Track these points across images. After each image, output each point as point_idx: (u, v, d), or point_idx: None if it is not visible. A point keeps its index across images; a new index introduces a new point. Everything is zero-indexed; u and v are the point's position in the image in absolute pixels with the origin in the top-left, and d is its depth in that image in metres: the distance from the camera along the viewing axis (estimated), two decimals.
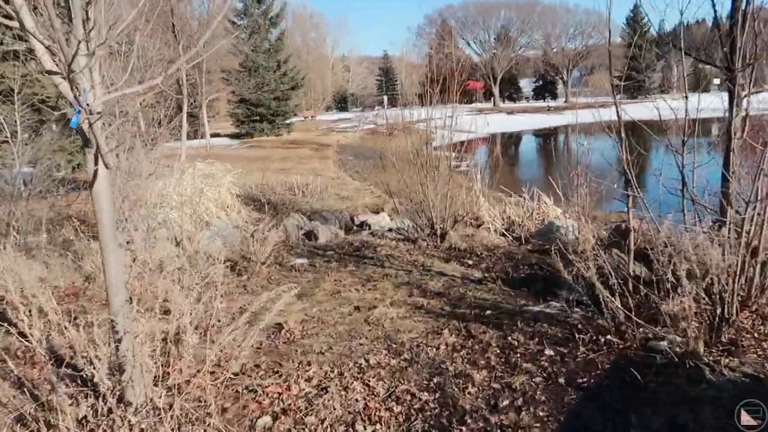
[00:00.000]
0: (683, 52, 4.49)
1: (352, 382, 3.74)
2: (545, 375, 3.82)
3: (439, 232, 8.59)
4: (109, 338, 3.23)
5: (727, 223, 4.18)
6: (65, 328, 3.11)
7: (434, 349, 4.31)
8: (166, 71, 3.06)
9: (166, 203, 9.55)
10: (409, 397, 3.56)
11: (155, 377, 3.28)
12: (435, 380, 3.78)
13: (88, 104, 2.77)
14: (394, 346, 4.41)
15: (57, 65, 2.76)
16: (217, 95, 36.48)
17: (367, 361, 4.12)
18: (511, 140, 43.03)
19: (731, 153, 4.65)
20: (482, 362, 4.06)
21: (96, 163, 2.96)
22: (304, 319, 5.12)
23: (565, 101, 67.60)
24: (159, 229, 8.95)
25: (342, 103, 75.21)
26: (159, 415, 3.03)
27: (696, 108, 4.87)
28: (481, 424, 3.24)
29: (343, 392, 3.61)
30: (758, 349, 3.89)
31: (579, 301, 4.98)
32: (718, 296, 3.87)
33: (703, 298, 4.06)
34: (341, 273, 6.83)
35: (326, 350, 4.36)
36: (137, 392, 3.16)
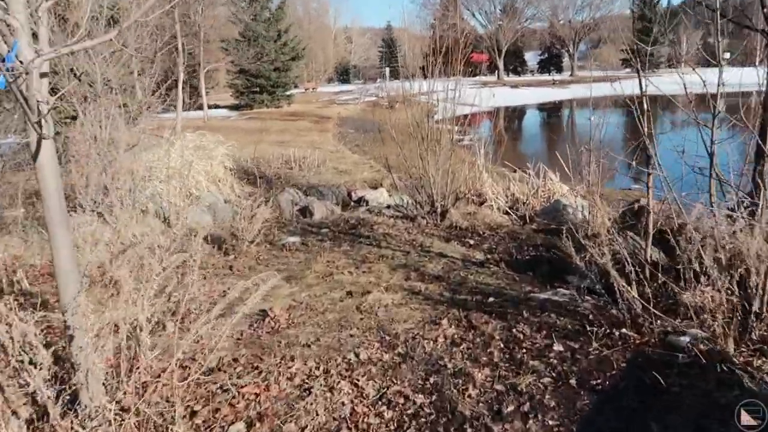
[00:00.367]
0: (718, 14, 3.98)
1: (339, 382, 3.34)
2: (554, 375, 3.42)
3: (439, 209, 8.16)
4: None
5: (761, 206, 3.73)
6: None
7: (432, 342, 3.91)
8: (122, 25, 2.60)
9: (154, 176, 9.12)
10: (402, 400, 3.16)
11: (117, 376, 2.90)
12: (432, 380, 3.39)
13: (21, 61, 2.33)
14: (387, 338, 4.02)
15: None
16: (216, 65, 35.69)
17: (357, 355, 3.72)
18: (515, 114, 42.25)
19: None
20: (484, 358, 3.66)
21: (39, 132, 2.53)
22: (291, 305, 4.72)
23: (571, 75, 66.43)
24: (147, 203, 8.55)
25: (344, 74, 74.02)
26: (115, 421, 2.64)
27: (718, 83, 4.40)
28: None
29: (328, 394, 3.22)
30: None
31: (589, 289, 4.58)
32: (754, 289, 3.44)
33: (731, 290, 3.65)
34: (335, 253, 6.42)
35: (313, 342, 3.97)
36: (93, 394, 2.76)
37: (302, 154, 15.07)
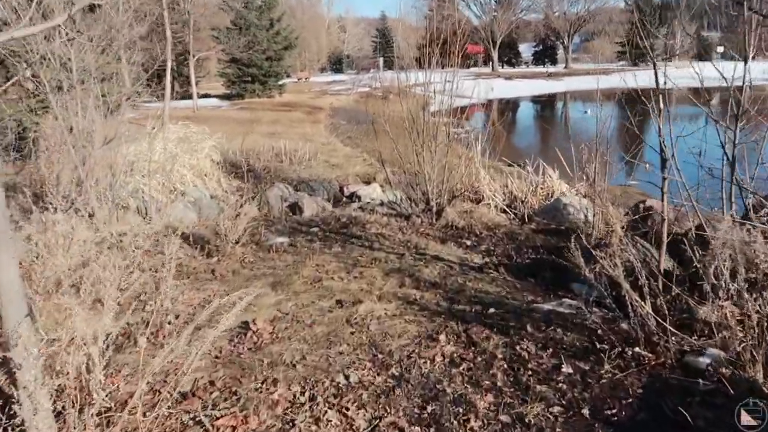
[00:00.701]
0: (745, 6, 3.63)
1: (326, 411, 2.99)
2: (564, 403, 3.09)
3: (434, 208, 7.80)
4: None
5: None
6: None
7: (428, 362, 3.57)
8: (72, 10, 2.22)
9: (137, 170, 8.71)
10: None
11: (75, 405, 2.54)
12: (429, 408, 3.05)
13: None
14: (380, 356, 3.67)
15: None
16: (206, 54, 35.09)
17: (347, 378, 3.38)
18: (509, 106, 41.88)
19: None
20: (487, 382, 3.33)
21: None
22: (276, 317, 4.36)
23: (565, 67, 66.10)
24: (128, 198, 8.16)
25: (337, 64, 73.34)
26: None
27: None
28: None
29: (314, 427, 2.87)
30: None
31: (597, 300, 4.26)
32: None
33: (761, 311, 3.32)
34: (325, 255, 6.06)
35: (298, 361, 3.61)
36: None
37: (293, 147, 14.65)
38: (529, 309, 4.46)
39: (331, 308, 4.54)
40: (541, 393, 3.18)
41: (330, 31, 73.68)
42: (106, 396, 2.71)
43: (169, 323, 4.06)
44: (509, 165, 11.17)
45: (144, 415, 2.61)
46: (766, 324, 3.06)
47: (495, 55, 65.93)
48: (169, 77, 20.31)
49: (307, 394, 3.19)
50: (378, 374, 3.43)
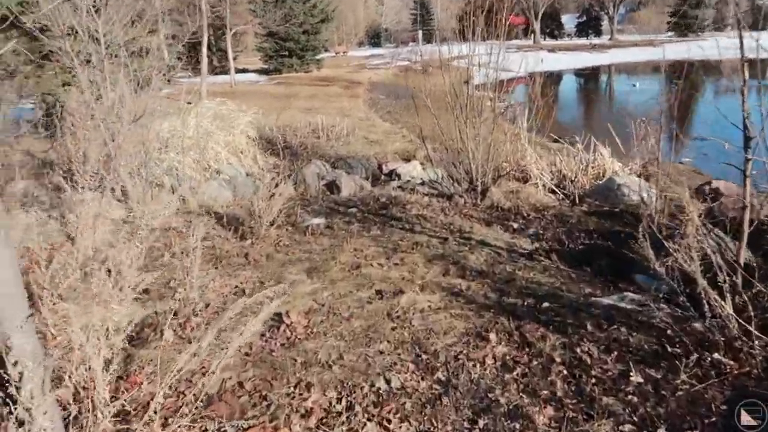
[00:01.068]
0: None
1: (365, 424, 2.67)
2: (636, 420, 2.70)
3: (479, 187, 7.37)
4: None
5: None
6: None
7: (478, 366, 3.22)
8: None
9: (171, 147, 8.50)
10: None
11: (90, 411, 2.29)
12: (481, 423, 2.70)
13: None
14: (424, 357, 3.33)
15: None
16: (244, 27, 34.80)
17: (388, 382, 3.05)
18: (552, 79, 40.61)
19: None
20: (545, 391, 2.96)
21: None
22: (311, 308, 4.05)
23: (610, 38, 63.69)
24: (162, 176, 7.96)
25: (375, 38, 72.29)
26: None
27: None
28: None
29: None
30: None
31: (665, 296, 3.82)
32: None
33: None
34: (363, 239, 5.73)
35: (335, 361, 3.30)
36: None
37: (330, 122, 14.26)
38: (587, 303, 4.05)
39: (370, 299, 4.21)
40: (608, 406, 2.80)
41: (368, 4, 72.50)
42: (126, 399, 2.45)
43: (196, 315, 3.80)
44: (555, 141, 10.60)
45: (163, 427, 2.33)
46: None
47: (537, 26, 63.96)
48: (204, 51, 20.11)
49: (344, 401, 2.87)
50: (422, 378, 3.09)
